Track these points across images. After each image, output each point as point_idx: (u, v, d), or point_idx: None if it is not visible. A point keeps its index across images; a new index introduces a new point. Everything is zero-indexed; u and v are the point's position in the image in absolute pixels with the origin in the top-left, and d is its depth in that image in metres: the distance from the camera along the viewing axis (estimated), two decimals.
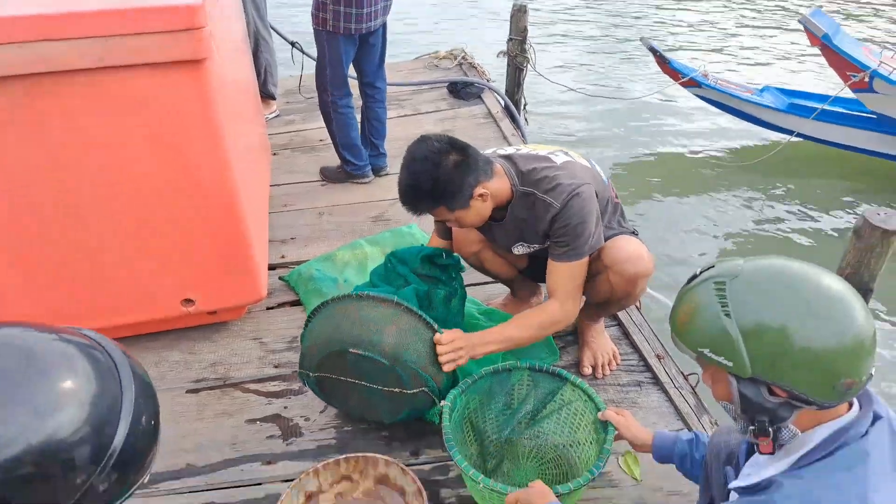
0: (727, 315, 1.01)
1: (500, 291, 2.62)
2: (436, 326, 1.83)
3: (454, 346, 1.82)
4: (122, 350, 0.93)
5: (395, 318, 1.77)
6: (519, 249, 2.06)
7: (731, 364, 1.01)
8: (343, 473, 1.56)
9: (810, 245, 4.30)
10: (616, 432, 1.72)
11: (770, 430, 1.04)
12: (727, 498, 1.39)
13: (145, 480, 0.92)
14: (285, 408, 2.14)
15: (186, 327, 2.45)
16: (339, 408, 2.05)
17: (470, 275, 2.73)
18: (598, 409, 1.75)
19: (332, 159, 3.60)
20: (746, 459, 1.23)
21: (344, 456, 1.57)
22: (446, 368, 1.81)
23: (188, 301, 2.27)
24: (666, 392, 2.18)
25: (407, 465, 1.93)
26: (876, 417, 1.05)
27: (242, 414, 2.13)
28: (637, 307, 2.51)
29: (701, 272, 1.10)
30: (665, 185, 4.97)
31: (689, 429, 2.06)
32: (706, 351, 1.04)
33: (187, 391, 2.22)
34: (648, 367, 2.26)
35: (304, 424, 2.08)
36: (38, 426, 0.77)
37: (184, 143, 1.99)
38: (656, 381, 2.22)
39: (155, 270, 2.18)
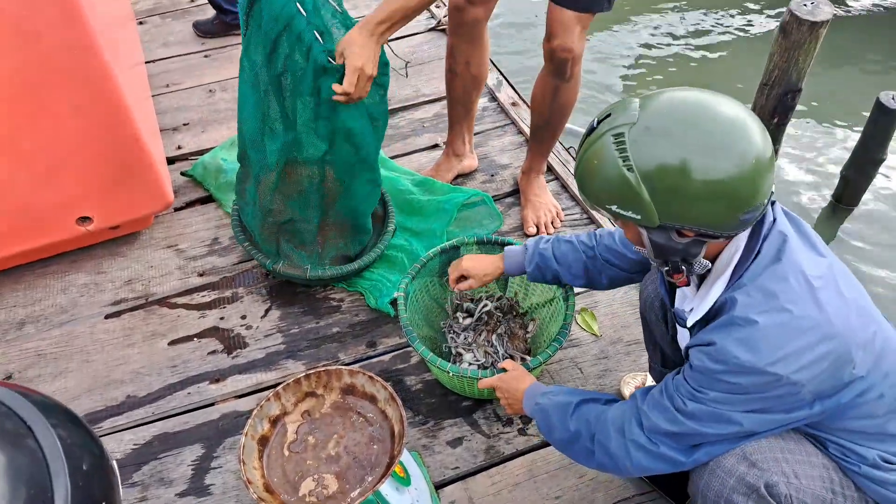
0: (629, 169, 0.98)
1: (428, 161, 2.45)
2: None
3: None
4: (44, 420, 0.64)
5: None
6: None
7: (639, 217, 1.01)
8: (306, 391, 1.45)
9: (733, 55, 4.28)
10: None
11: (683, 267, 1.07)
12: (675, 346, 1.41)
13: None
14: (221, 318, 1.98)
15: (87, 246, 2.16)
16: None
17: (397, 144, 2.53)
18: None
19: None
20: (671, 297, 1.26)
21: (304, 373, 1.45)
22: None
23: (85, 219, 1.97)
24: None
25: (365, 359, 1.86)
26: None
27: (176, 332, 1.95)
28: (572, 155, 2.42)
29: (598, 122, 1.04)
30: None
31: None
32: (614, 207, 1.02)
33: (107, 316, 1.99)
34: (592, 219, 2.22)
35: (246, 333, 1.94)
36: None
37: (41, 28, 1.61)
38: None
39: (36, 189, 1.85)
